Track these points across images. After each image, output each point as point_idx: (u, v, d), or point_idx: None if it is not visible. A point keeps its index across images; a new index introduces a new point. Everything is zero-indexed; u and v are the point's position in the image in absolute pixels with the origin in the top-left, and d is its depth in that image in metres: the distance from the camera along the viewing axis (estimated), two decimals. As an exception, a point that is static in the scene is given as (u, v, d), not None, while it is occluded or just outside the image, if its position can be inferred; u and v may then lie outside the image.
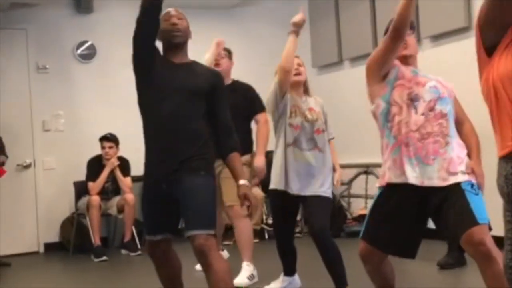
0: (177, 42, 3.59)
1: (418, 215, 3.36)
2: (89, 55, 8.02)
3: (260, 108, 5.29)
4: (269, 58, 6.85)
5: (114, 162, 7.35)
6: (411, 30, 3.48)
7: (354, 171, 7.88)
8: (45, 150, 7.78)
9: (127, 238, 7.26)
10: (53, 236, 7.76)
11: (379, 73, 3.40)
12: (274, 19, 8.51)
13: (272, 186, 4.52)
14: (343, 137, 7.63)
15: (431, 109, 3.32)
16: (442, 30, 6.52)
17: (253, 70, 7.14)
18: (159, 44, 3.61)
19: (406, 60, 3.46)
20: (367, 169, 7.62)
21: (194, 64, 3.69)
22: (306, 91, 4.57)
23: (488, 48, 2.38)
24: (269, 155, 5.18)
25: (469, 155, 3.39)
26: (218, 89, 3.62)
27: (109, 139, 7.38)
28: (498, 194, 2.34)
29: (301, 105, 4.45)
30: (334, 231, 7.14)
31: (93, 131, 7.58)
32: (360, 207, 7.73)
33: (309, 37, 8.46)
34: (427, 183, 3.25)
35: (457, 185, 3.21)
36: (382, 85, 3.40)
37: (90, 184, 7.30)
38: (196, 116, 3.54)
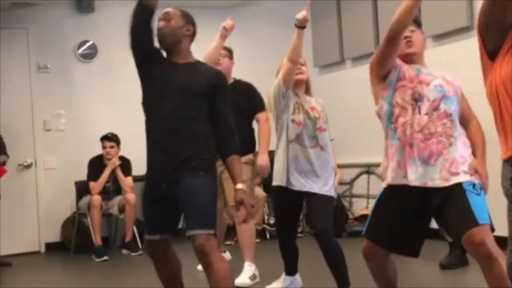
0: (164, 47, 3.62)
1: (419, 215, 3.34)
2: (90, 54, 8.01)
3: (261, 107, 5.29)
4: (269, 58, 6.84)
5: (115, 162, 7.34)
6: (417, 26, 3.44)
7: (356, 171, 7.86)
8: (46, 149, 7.78)
9: (128, 238, 7.25)
10: (54, 236, 7.76)
11: (380, 73, 3.39)
12: (274, 19, 8.51)
13: (274, 183, 4.51)
14: (345, 136, 7.62)
15: (435, 108, 3.29)
16: (444, 30, 6.50)
17: (253, 69, 7.13)
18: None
19: (411, 58, 3.42)
20: (368, 169, 7.60)
21: (197, 64, 3.68)
22: (308, 91, 4.56)
23: (491, 53, 2.38)
24: (271, 154, 5.18)
25: (474, 154, 3.37)
26: (220, 89, 3.59)
27: (110, 138, 7.37)
28: (502, 195, 2.33)
29: (303, 103, 4.44)
30: (336, 231, 7.09)
31: (94, 131, 7.57)
32: (362, 207, 7.71)
33: (311, 36, 8.44)
34: (430, 184, 3.23)
35: (459, 185, 3.19)
36: (384, 86, 3.39)
37: (91, 184, 7.29)
38: (197, 116, 3.53)
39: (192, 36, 3.67)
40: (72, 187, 7.61)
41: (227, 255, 5.93)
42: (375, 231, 3.43)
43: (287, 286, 4.73)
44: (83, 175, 7.45)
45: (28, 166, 7.68)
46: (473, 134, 3.42)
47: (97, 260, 6.91)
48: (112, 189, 7.45)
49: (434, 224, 3.50)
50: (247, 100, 5.27)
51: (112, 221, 7.81)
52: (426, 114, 3.28)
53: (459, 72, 4.06)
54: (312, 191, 4.36)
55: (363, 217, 7.44)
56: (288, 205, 4.50)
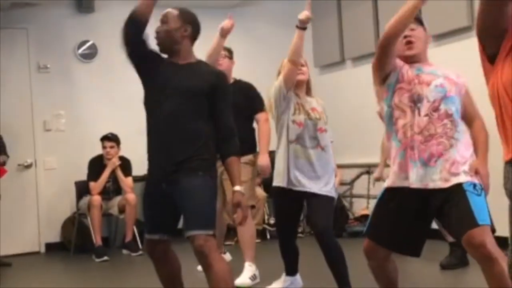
0: (163, 50, 3.63)
1: (419, 217, 3.34)
2: (90, 54, 8.01)
3: (261, 107, 5.28)
4: (269, 58, 6.84)
5: (115, 162, 7.34)
6: (418, 23, 3.39)
7: (356, 171, 7.86)
8: (46, 150, 7.78)
9: (128, 238, 7.25)
10: (54, 236, 7.75)
11: (380, 75, 3.39)
12: (274, 19, 8.51)
13: (274, 183, 4.51)
14: (345, 137, 7.62)
15: (435, 109, 3.27)
16: (444, 30, 6.50)
17: (253, 69, 7.12)
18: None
19: (412, 58, 3.39)
20: (369, 169, 7.59)
21: (199, 63, 3.67)
22: (308, 92, 4.55)
23: (490, 56, 2.38)
24: (271, 154, 5.18)
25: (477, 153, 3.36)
26: (220, 90, 3.58)
27: (110, 139, 7.37)
28: (503, 195, 2.33)
29: (304, 104, 4.43)
30: (336, 231, 7.10)
31: (94, 131, 7.57)
32: (362, 207, 7.70)
33: (311, 36, 8.42)
34: (431, 185, 3.23)
35: (459, 185, 3.18)
36: (384, 88, 3.38)
37: (91, 184, 7.28)
38: (196, 116, 3.52)
39: (193, 35, 3.65)
40: (72, 187, 7.61)
41: (228, 256, 5.92)
42: (376, 231, 3.43)
43: (288, 286, 4.73)
44: (83, 175, 7.45)
45: (28, 166, 7.68)
46: (476, 133, 3.39)
47: (97, 260, 6.90)
48: (112, 189, 7.44)
49: (434, 224, 3.49)
50: (247, 100, 5.27)
51: (112, 221, 7.81)
52: (426, 115, 3.27)
53: (459, 72, 4.04)
54: (313, 191, 4.35)
55: (363, 217, 7.44)
56: (289, 206, 4.49)
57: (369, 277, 3.57)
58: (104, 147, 7.36)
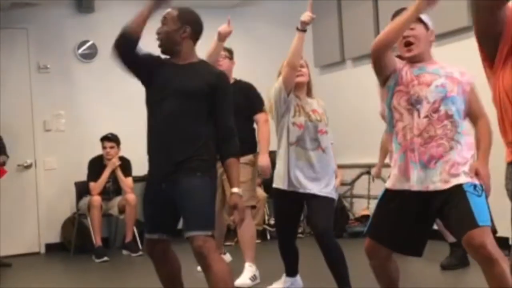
0: (164, 52, 3.64)
1: (420, 219, 3.33)
2: (90, 54, 8.00)
3: (260, 107, 5.28)
4: (269, 58, 6.84)
5: (115, 162, 7.33)
6: (418, 21, 3.34)
7: (356, 171, 7.85)
8: (46, 150, 7.77)
9: (128, 238, 7.24)
10: (54, 237, 7.74)
11: (380, 79, 3.39)
12: (274, 19, 8.50)
13: (275, 185, 4.50)
14: (346, 137, 7.61)
15: (435, 110, 3.24)
16: (444, 30, 6.48)
17: (253, 69, 7.12)
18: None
19: (413, 59, 3.36)
20: (369, 169, 7.57)
21: (200, 64, 3.66)
22: (309, 93, 4.53)
23: (490, 57, 2.39)
24: (271, 155, 5.17)
25: None
26: (220, 90, 3.57)
27: (110, 139, 7.36)
28: (503, 196, 2.32)
29: (305, 105, 4.42)
30: (337, 232, 7.10)
31: (94, 131, 7.56)
32: (363, 207, 7.69)
33: (311, 36, 8.42)
34: (431, 187, 3.22)
35: (459, 186, 3.17)
36: (385, 89, 3.38)
37: (91, 184, 7.28)
38: (196, 117, 3.52)
39: (194, 35, 3.63)
40: (72, 187, 7.60)
41: (228, 257, 5.92)
42: (377, 231, 3.43)
43: (288, 287, 4.72)
44: (83, 176, 7.44)
45: (28, 167, 7.67)
46: (479, 133, 3.35)
47: (97, 260, 6.89)
48: (112, 190, 7.43)
49: (434, 225, 3.48)
50: (247, 100, 5.26)
51: (112, 222, 7.80)
52: (426, 117, 3.24)
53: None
54: (313, 192, 4.34)
55: (364, 218, 7.43)
56: (289, 207, 4.48)
57: (369, 277, 3.56)
58: (104, 147, 7.35)
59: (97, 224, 7.09)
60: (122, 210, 7.28)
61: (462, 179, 3.18)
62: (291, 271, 4.71)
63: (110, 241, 7.78)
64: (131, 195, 7.22)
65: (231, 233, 6.99)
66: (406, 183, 3.28)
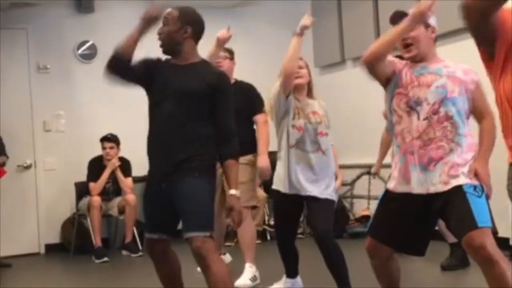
0: (165, 52, 3.64)
1: (420, 219, 3.32)
2: (90, 55, 7.98)
3: (260, 108, 5.26)
4: (269, 58, 6.83)
5: (115, 162, 7.32)
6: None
7: (356, 172, 7.84)
8: (46, 150, 7.76)
9: (128, 239, 7.23)
10: (54, 237, 7.73)
11: (381, 83, 3.38)
12: (274, 19, 8.49)
13: (274, 187, 4.49)
14: (346, 137, 7.60)
15: (435, 112, 3.22)
16: (444, 30, 6.47)
17: (253, 69, 7.11)
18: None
19: (414, 58, 3.33)
20: (369, 170, 7.56)
21: (201, 64, 3.65)
22: (310, 94, 4.51)
23: (489, 56, 2.41)
24: (270, 156, 5.16)
25: None
26: (221, 91, 3.57)
27: (110, 139, 7.35)
28: (503, 196, 2.32)
29: (304, 107, 4.40)
30: (337, 232, 7.09)
31: (94, 132, 7.55)
32: (363, 208, 7.68)
33: (312, 36, 8.41)
34: (432, 189, 3.20)
35: (459, 187, 3.16)
36: (387, 91, 3.37)
37: (91, 184, 7.27)
38: (196, 117, 3.52)
39: (195, 35, 3.62)
40: (72, 188, 7.59)
41: (228, 257, 5.91)
42: (377, 230, 3.43)
43: (288, 288, 4.72)
44: (83, 176, 7.43)
45: (28, 167, 7.66)
46: (482, 132, 3.31)
47: (97, 261, 6.88)
48: (112, 190, 7.42)
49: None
50: (247, 100, 5.24)
51: (112, 222, 7.79)
52: (425, 118, 3.22)
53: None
54: (313, 195, 4.33)
55: (364, 218, 7.42)
56: (288, 208, 4.47)
57: (369, 278, 3.56)
58: (103, 148, 7.34)
59: (97, 224, 7.08)
60: (122, 211, 7.27)
61: (462, 180, 3.17)
62: (291, 272, 4.69)
63: (110, 242, 7.77)
64: (131, 195, 7.22)
65: (231, 233, 6.98)
66: (406, 186, 3.27)
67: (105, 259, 6.90)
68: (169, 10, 3.62)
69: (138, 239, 7.29)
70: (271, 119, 4.63)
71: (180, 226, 3.62)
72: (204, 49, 4.26)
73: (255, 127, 5.40)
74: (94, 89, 7.90)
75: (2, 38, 7.50)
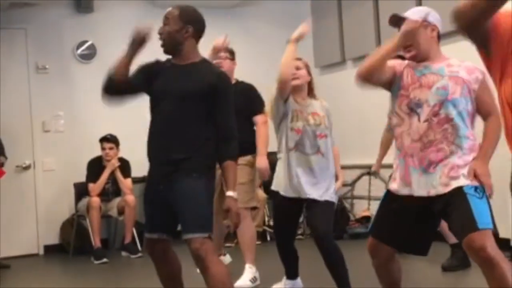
0: (166, 52, 3.61)
1: (420, 218, 3.32)
2: (89, 55, 7.97)
3: (259, 108, 5.24)
4: (269, 58, 6.80)
5: (115, 163, 7.30)
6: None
7: (357, 172, 7.82)
8: (45, 151, 7.74)
9: (127, 240, 7.21)
10: (53, 238, 7.71)
11: (385, 87, 3.37)
12: (274, 19, 8.46)
13: (273, 187, 4.48)
14: (346, 138, 7.58)
15: (435, 114, 3.19)
16: (444, 30, 6.44)
17: (253, 70, 7.09)
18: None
19: (416, 58, 3.30)
20: (370, 170, 7.54)
21: (201, 63, 3.62)
22: (311, 93, 4.49)
23: (488, 55, 2.42)
24: (270, 156, 5.14)
25: None
26: (221, 90, 3.54)
27: (110, 140, 7.33)
28: (503, 196, 2.31)
29: (303, 109, 4.38)
30: (337, 233, 7.09)
31: (93, 132, 7.53)
32: (363, 208, 7.67)
33: (312, 37, 8.39)
34: (433, 192, 3.19)
35: (460, 189, 3.14)
36: (391, 94, 3.36)
37: (90, 185, 7.25)
38: (194, 118, 3.51)
39: (196, 34, 3.60)
40: (71, 188, 7.57)
41: (228, 258, 5.89)
42: (379, 230, 3.43)
43: (288, 289, 4.70)
44: (82, 177, 7.41)
45: (27, 168, 7.64)
46: (485, 130, 3.26)
47: (96, 262, 6.87)
48: (111, 191, 7.40)
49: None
50: (248, 101, 5.23)
51: (111, 223, 7.77)
52: (426, 120, 3.20)
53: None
54: (313, 197, 4.32)
55: (364, 219, 7.41)
56: (288, 209, 4.45)
57: (370, 279, 3.55)
58: (103, 148, 7.32)
59: (96, 225, 7.06)
60: (121, 211, 7.25)
61: (462, 182, 3.15)
62: (291, 274, 4.68)
63: (109, 243, 7.76)
64: (130, 196, 7.20)
65: (231, 234, 6.96)
66: (407, 189, 3.26)
67: (104, 260, 6.88)
68: (169, 9, 3.60)
69: (137, 240, 7.28)
70: (271, 120, 4.62)
71: (180, 226, 3.61)
72: (204, 49, 4.26)
73: (255, 127, 5.38)
74: (93, 89, 7.76)
75: (1, 38, 7.48)
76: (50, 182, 7.72)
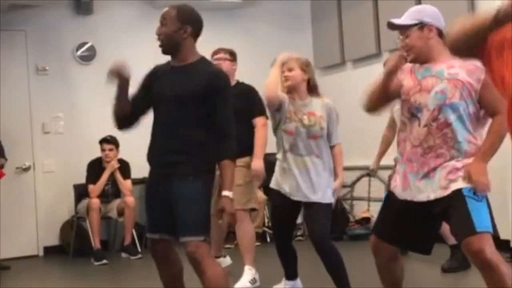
0: (165, 52, 3.61)
1: (421, 219, 3.31)
2: (89, 56, 7.96)
3: (259, 111, 5.22)
4: (270, 58, 6.75)
5: (114, 164, 7.30)
6: (405, 29, 3.28)
7: (356, 173, 7.81)
8: (45, 152, 7.73)
9: (127, 241, 7.20)
10: (53, 239, 7.70)
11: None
12: (274, 19, 8.46)
13: (272, 186, 4.48)
14: (346, 139, 7.51)
15: (435, 119, 3.18)
16: (445, 31, 6.46)
17: (253, 70, 7.07)
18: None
19: (416, 61, 3.28)
20: (369, 172, 7.54)
21: (199, 63, 3.60)
22: (312, 91, 4.48)
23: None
24: (267, 158, 5.13)
25: None
26: (219, 90, 3.53)
27: (109, 141, 7.32)
28: (502, 197, 2.30)
29: (299, 109, 4.37)
30: (337, 234, 7.09)
31: (93, 134, 7.51)
32: (363, 209, 7.66)
33: (311, 38, 8.40)
34: (432, 196, 3.18)
35: (458, 191, 3.13)
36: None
37: (90, 186, 7.24)
38: (190, 122, 3.50)
39: (194, 33, 3.58)
40: (70, 190, 7.57)
41: (228, 260, 5.87)
42: (381, 229, 3.44)
43: (288, 290, 4.70)
44: (82, 178, 7.40)
45: (27, 169, 7.63)
46: (488, 130, 3.20)
47: (96, 263, 6.86)
48: (111, 192, 7.40)
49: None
50: (247, 102, 5.21)
51: (111, 224, 7.76)
52: (425, 125, 3.19)
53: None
54: (309, 200, 4.31)
55: (364, 220, 7.40)
56: (285, 207, 4.44)
57: (370, 279, 3.53)
58: (103, 150, 7.31)
59: (96, 226, 7.05)
60: (121, 213, 7.24)
61: (461, 184, 3.14)
62: (291, 274, 4.67)
63: (109, 244, 7.75)
64: (130, 197, 7.19)
65: (231, 235, 6.95)
66: (408, 193, 3.25)
67: (104, 261, 6.88)
68: (166, 9, 3.59)
69: (137, 241, 7.27)
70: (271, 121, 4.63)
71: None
72: (204, 49, 4.25)
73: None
74: (93, 91, 7.87)
75: (1, 39, 7.47)
76: (50, 183, 7.71)
